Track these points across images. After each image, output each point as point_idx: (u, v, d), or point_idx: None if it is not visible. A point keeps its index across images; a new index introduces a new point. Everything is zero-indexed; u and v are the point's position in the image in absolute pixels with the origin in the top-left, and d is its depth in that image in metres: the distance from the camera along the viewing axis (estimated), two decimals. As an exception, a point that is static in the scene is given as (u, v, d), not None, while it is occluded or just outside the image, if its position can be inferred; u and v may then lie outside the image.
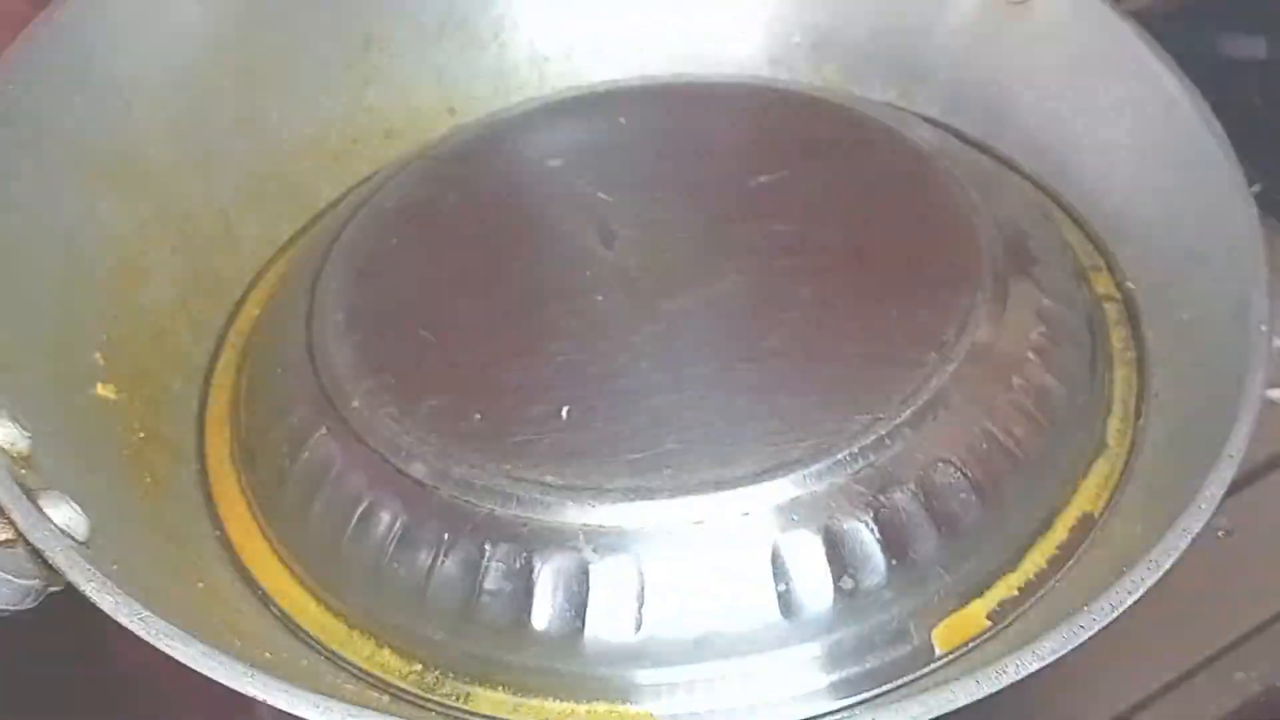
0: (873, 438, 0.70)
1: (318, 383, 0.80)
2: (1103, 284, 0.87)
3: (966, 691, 0.59)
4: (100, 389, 0.84)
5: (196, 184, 0.99)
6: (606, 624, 0.68)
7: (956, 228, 0.82)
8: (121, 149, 0.93)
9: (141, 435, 0.84)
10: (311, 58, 1.05)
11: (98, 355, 0.86)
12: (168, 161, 0.97)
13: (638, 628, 0.68)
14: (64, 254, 0.86)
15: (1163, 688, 0.89)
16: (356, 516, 0.74)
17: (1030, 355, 0.76)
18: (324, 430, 0.78)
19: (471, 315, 0.84)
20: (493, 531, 0.69)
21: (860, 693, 0.69)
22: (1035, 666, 0.60)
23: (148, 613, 0.59)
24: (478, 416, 0.74)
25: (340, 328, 0.83)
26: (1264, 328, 0.74)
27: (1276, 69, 1.27)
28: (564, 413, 0.74)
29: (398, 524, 0.72)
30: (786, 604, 0.68)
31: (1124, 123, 0.91)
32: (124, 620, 0.59)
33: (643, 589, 0.67)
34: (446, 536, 0.70)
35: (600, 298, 0.83)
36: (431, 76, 1.10)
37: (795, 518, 0.68)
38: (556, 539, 0.68)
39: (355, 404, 0.77)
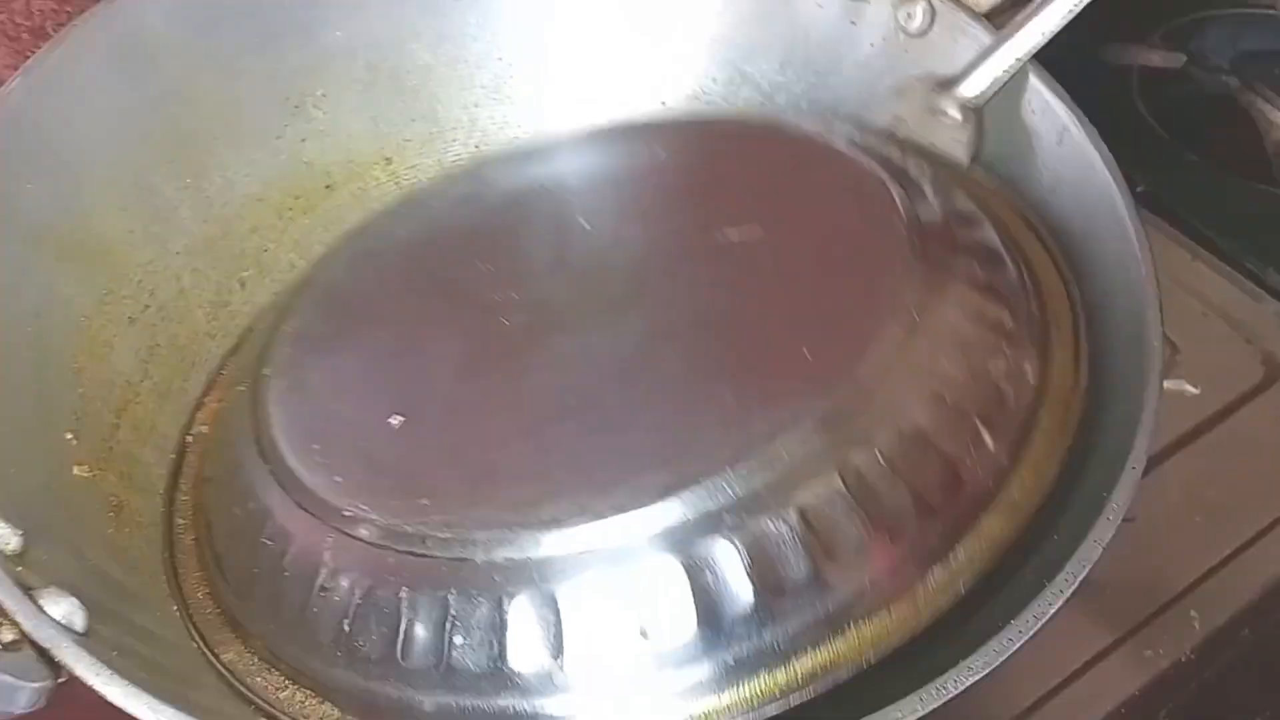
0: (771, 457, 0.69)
1: (259, 448, 0.82)
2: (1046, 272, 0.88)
3: (910, 708, 0.65)
4: (76, 470, 0.87)
5: (149, 252, 1.02)
6: (525, 657, 0.68)
7: (877, 231, 0.82)
8: (76, 225, 0.97)
9: (116, 512, 0.88)
10: (251, 119, 1.08)
11: (69, 435, 0.89)
12: (120, 232, 1.00)
13: (555, 656, 0.68)
14: (33, 337, 0.89)
15: (1078, 669, 0.95)
16: (285, 569, 0.76)
17: (954, 356, 0.76)
18: (261, 484, 0.80)
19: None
20: (404, 574, 0.70)
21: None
22: (971, 680, 0.66)
23: (158, 702, 0.63)
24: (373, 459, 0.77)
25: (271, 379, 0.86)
26: (1157, 343, 0.80)
27: (1157, 74, 1.34)
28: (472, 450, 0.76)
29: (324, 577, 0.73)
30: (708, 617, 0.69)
31: (1019, 143, 0.97)
32: (135, 711, 0.63)
33: (559, 619, 0.68)
34: (364, 583, 0.71)
35: (495, 333, 0.84)
36: (366, 127, 1.13)
37: (701, 534, 0.68)
38: (466, 577, 0.68)
39: (289, 462, 0.79)
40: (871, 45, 1.03)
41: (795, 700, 0.70)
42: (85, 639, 0.68)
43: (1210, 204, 1.20)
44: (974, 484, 0.75)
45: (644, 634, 0.68)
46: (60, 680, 0.68)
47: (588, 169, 1.02)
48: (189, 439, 0.97)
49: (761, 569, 0.69)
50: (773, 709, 0.70)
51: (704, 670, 0.70)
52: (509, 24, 1.13)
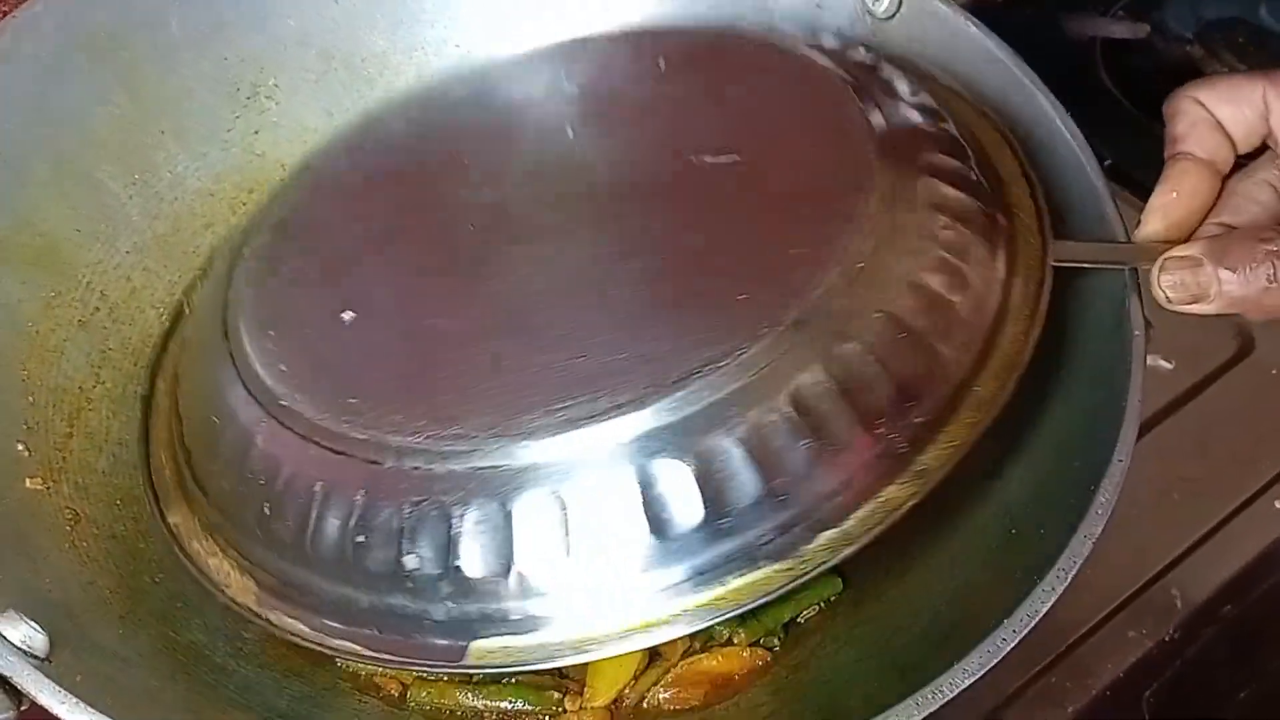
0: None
1: (223, 326, 0.82)
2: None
3: (906, 714, 0.64)
4: (29, 483, 0.84)
5: (96, 251, 0.98)
6: (423, 561, 0.69)
7: (844, 140, 0.79)
8: (18, 226, 0.93)
9: (73, 524, 0.85)
10: (199, 111, 1.04)
11: (20, 447, 0.86)
12: (66, 231, 0.96)
13: (449, 563, 0.68)
14: (-24, 347, 0.86)
15: (1062, 653, 0.96)
16: (223, 447, 0.78)
17: (923, 251, 0.74)
18: (218, 361, 0.81)
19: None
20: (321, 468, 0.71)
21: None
22: (967, 683, 0.65)
23: (125, 730, 0.61)
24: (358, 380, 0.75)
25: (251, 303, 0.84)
26: (1138, 332, 0.79)
27: (1121, 47, 1.33)
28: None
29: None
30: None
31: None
32: (102, 738, 0.61)
33: (454, 534, 0.68)
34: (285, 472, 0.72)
35: (461, 244, 0.83)
36: (321, 118, 1.10)
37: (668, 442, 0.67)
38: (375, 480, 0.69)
39: (245, 345, 0.79)
40: (838, 30, 1.01)
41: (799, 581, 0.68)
42: (46, 664, 0.66)
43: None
44: (950, 372, 0.72)
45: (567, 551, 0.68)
46: (23, 709, 0.65)
47: (578, 77, 0.96)
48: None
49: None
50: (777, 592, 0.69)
51: (700, 560, 0.68)
52: (467, 8, 1.10)
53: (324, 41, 1.09)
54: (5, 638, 0.64)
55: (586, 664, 0.84)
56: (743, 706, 0.81)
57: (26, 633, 0.65)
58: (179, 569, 0.88)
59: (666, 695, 0.83)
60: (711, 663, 0.84)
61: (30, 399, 0.89)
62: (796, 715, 0.77)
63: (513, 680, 0.86)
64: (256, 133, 1.07)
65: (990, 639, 0.67)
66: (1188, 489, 1.03)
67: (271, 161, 1.08)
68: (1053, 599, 0.68)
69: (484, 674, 0.85)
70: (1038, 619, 0.68)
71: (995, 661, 0.66)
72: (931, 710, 0.64)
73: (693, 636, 0.85)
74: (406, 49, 1.10)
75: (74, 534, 0.84)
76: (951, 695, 0.65)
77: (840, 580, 0.88)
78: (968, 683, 0.65)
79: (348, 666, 0.85)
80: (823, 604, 0.87)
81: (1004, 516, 0.82)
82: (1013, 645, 0.67)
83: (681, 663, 0.84)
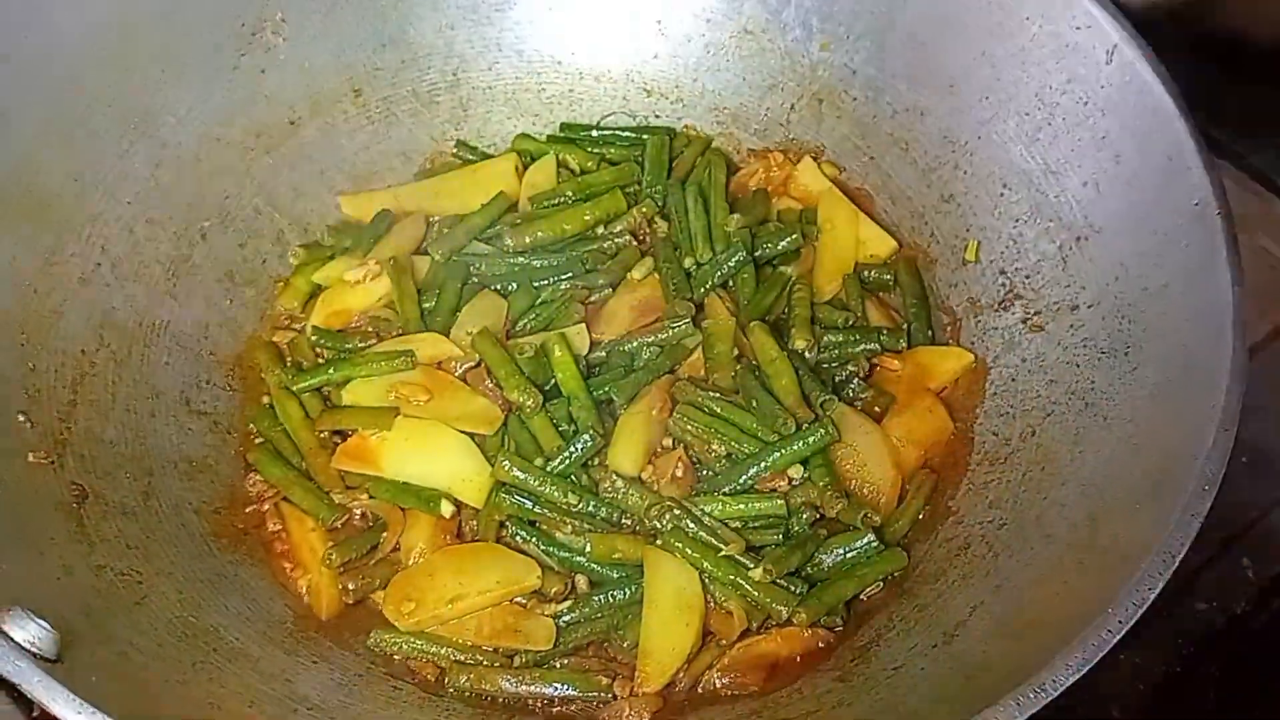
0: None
1: None
2: None
3: (1008, 714, 0.59)
4: (31, 457, 0.77)
5: (96, 203, 0.91)
6: None
7: None
8: (10, 178, 0.85)
9: (79, 501, 0.78)
10: (200, 50, 0.96)
11: (21, 418, 0.79)
12: (63, 182, 0.89)
13: None
14: (-33, 309, 0.79)
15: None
16: None
17: None
18: None
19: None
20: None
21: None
22: (1070, 679, 0.60)
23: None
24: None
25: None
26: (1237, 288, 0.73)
27: None
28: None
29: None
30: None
31: (1066, 64, 0.89)
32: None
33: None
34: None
35: None
36: (332, 55, 1.02)
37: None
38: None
39: None
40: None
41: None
42: (58, 666, 0.60)
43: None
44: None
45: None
46: (34, 716, 0.59)
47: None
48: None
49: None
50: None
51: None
52: (486, -65, 1.02)
53: (336, -30, 1.01)
54: (11, 639, 0.57)
55: (636, 648, 0.79)
56: (806, 693, 0.76)
57: (35, 632, 0.59)
58: (197, 545, 0.83)
59: (724, 680, 0.78)
60: (769, 645, 0.79)
61: (30, 365, 0.82)
62: (868, 708, 0.71)
63: (558, 665, 0.80)
64: (263, 72, 0.99)
65: (1093, 631, 0.61)
66: (1255, 454, 0.97)
67: (280, 104, 1.01)
68: (1160, 584, 0.62)
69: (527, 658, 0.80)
70: (1144, 608, 0.62)
71: (1100, 655, 0.60)
72: (1033, 710, 0.59)
73: (750, 617, 0.79)
74: (422, -30, 1.03)
75: (81, 513, 0.78)
76: (1054, 694, 0.59)
77: (904, 555, 0.82)
78: (1070, 679, 0.60)
79: (380, 650, 0.80)
80: (885, 580, 0.82)
81: (1082, 500, 0.76)
82: (1118, 637, 0.61)
83: (738, 645, 0.79)
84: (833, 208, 0.99)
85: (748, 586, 0.79)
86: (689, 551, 0.80)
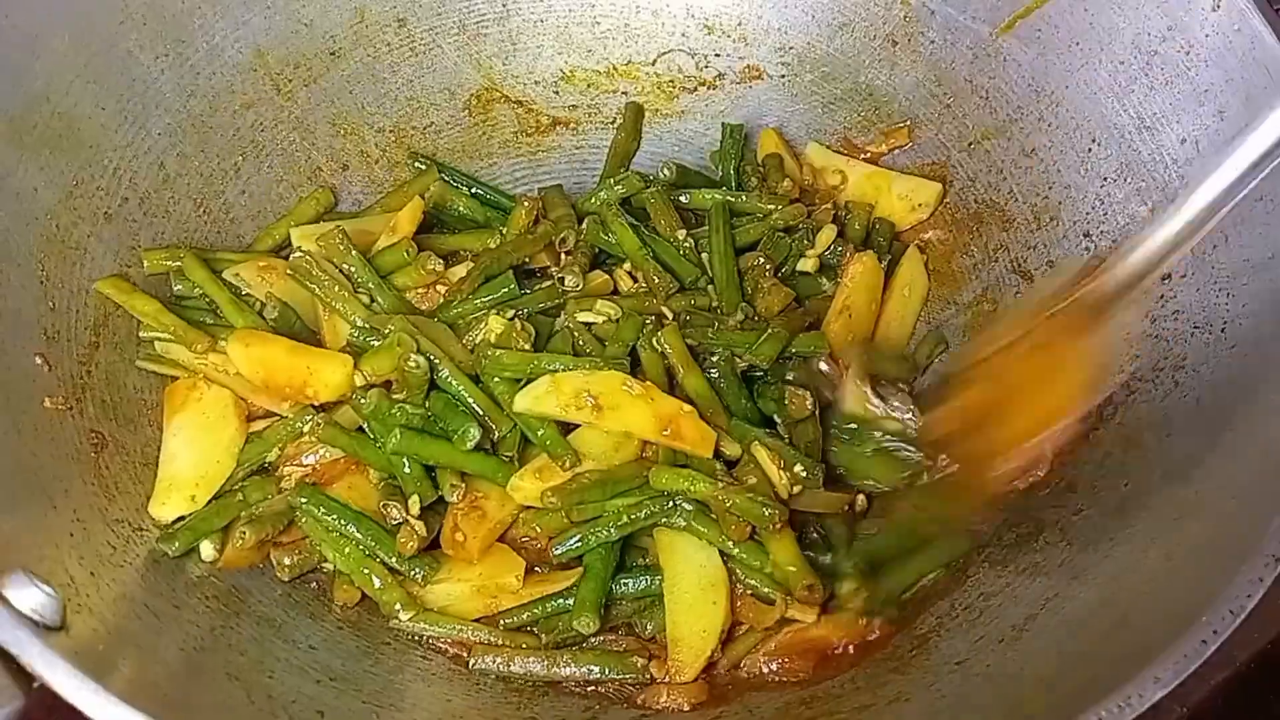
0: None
1: None
2: None
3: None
4: (47, 402, 0.73)
5: (124, 134, 0.86)
6: None
7: None
8: (34, 104, 0.81)
9: (98, 450, 0.74)
10: (238, -31, 0.91)
11: (38, 360, 0.75)
12: (89, 111, 0.84)
13: None
14: (-16, 242, 0.75)
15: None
16: None
17: None
18: None
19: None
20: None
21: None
22: (1160, 694, 0.55)
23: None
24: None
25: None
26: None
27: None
28: None
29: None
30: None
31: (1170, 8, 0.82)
32: None
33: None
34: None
35: None
36: (373, -20, 0.97)
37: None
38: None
39: None
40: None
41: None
42: (61, 634, 0.56)
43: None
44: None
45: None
46: (35, 685, 0.56)
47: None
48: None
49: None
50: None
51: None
52: None
53: (380, -112, 0.95)
54: (12, 605, 0.53)
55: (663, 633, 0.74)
56: (860, 684, 0.71)
57: (38, 598, 0.55)
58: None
59: (771, 666, 0.73)
60: (820, 630, 0.74)
61: (50, 304, 0.78)
62: (930, 705, 0.66)
63: (591, 646, 0.76)
64: (303, -3, 0.94)
65: (1186, 640, 0.55)
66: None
67: (320, 32, 0.95)
68: (1261, 590, 0.57)
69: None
70: (1242, 617, 0.56)
71: (1194, 666, 0.55)
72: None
73: (785, 603, 0.75)
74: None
75: (99, 461, 0.74)
76: (1141, 710, 0.54)
77: (967, 539, 0.77)
78: (1160, 694, 0.55)
79: (405, 631, 0.76)
80: (947, 567, 0.77)
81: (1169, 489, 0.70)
82: (1214, 648, 0.55)
83: (786, 630, 0.74)
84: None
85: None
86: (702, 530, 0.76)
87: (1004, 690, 0.64)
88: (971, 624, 0.71)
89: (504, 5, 1.00)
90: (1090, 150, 0.86)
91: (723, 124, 1.00)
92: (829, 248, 0.93)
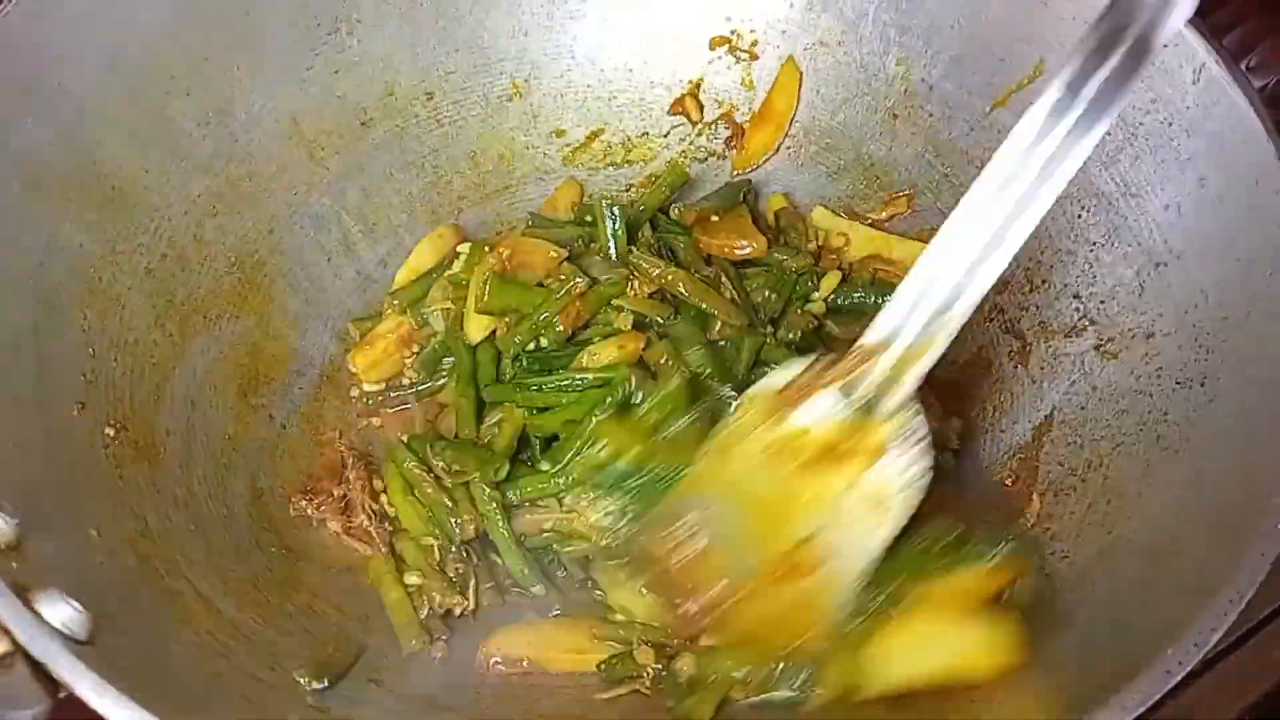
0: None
1: None
2: None
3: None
4: (86, 437, 0.78)
5: (166, 195, 0.91)
6: None
7: None
8: (82, 164, 0.86)
9: (126, 485, 0.79)
10: (274, 46, 0.97)
11: (76, 410, 0.79)
12: (134, 172, 0.89)
13: None
14: (34, 292, 0.80)
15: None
16: None
17: None
18: None
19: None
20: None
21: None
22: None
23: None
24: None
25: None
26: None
27: None
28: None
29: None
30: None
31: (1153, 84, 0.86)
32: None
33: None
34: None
35: None
36: (406, 57, 1.02)
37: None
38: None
39: None
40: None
41: None
42: (88, 648, 0.59)
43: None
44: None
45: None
46: (61, 695, 0.59)
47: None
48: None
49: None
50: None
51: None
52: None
53: (412, -29, 1.01)
54: (45, 619, 0.57)
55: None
56: None
57: (68, 614, 0.59)
58: (245, 537, 0.83)
59: None
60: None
61: (91, 350, 0.83)
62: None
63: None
64: (337, 72, 0.99)
65: (1152, 670, 0.58)
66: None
67: (352, 104, 1.01)
68: (1225, 624, 0.60)
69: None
70: (1207, 648, 0.59)
71: (1157, 697, 0.57)
72: None
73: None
74: (499, -26, 1.02)
75: (128, 497, 0.79)
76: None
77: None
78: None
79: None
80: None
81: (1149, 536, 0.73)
82: (1179, 677, 0.58)
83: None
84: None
85: None
86: None
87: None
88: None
89: (526, 79, 1.05)
90: (1080, 216, 0.90)
91: (726, 182, 1.05)
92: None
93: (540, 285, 0.94)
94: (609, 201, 0.95)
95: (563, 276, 0.93)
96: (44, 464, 0.73)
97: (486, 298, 0.94)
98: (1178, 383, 0.79)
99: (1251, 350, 0.74)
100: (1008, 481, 0.87)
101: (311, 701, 0.74)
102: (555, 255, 0.94)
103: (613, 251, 0.95)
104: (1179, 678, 0.58)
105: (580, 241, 0.97)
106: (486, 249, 0.98)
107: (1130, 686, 0.57)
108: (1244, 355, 0.75)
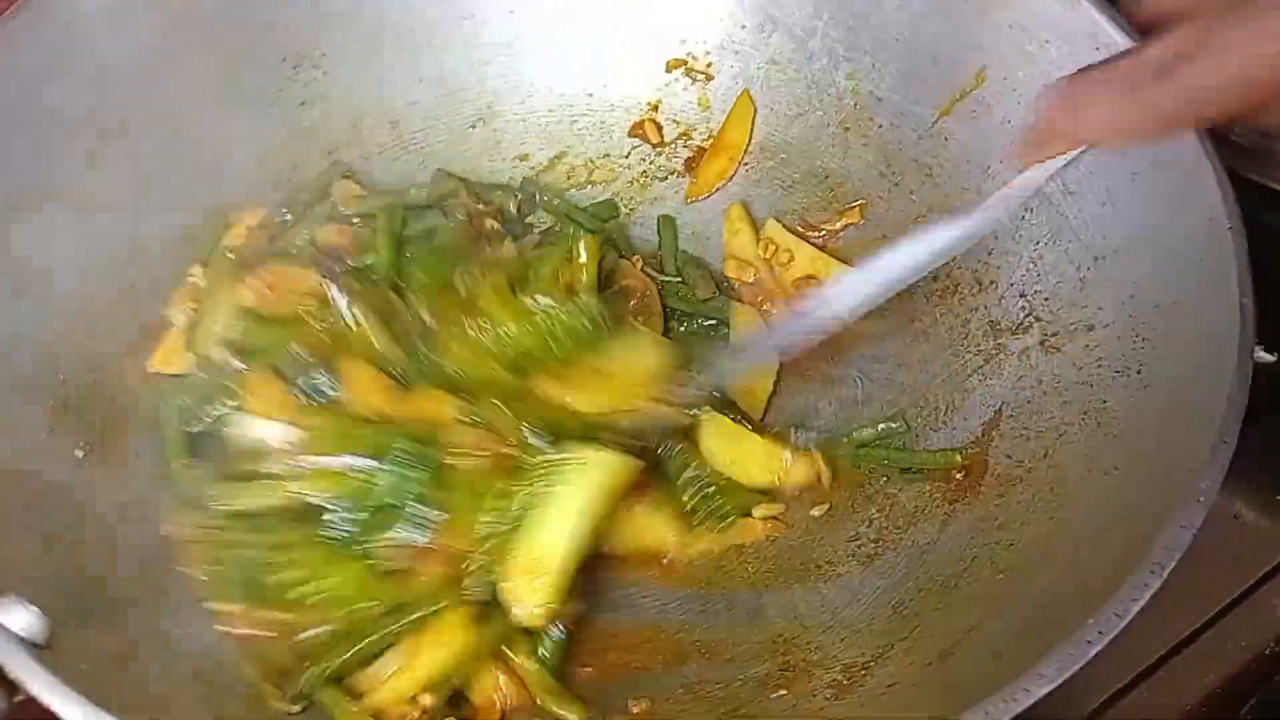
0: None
1: None
2: None
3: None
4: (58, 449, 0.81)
5: (139, 225, 0.95)
6: None
7: None
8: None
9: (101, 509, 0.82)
10: (243, 81, 1.00)
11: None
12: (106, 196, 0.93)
13: None
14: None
15: (1153, 664, 0.88)
16: None
17: None
18: None
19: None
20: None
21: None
22: (1044, 690, 0.59)
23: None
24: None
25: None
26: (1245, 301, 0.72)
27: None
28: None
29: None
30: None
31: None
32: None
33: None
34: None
35: None
36: (370, 89, 1.06)
37: None
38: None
39: None
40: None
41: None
42: (45, 652, 0.61)
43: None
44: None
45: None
46: (17, 699, 0.61)
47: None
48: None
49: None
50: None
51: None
52: (519, -28, 1.05)
53: (374, 8, 1.04)
54: (4, 625, 0.59)
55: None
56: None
57: (26, 619, 0.61)
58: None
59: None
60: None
61: (61, 377, 0.86)
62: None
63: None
64: (303, 104, 1.03)
65: (1072, 641, 0.60)
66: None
67: (318, 136, 1.04)
68: (1146, 595, 0.61)
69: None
70: (1128, 619, 0.60)
71: (1076, 667, 0.59)
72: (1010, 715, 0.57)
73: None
74: (458, 16, 1.05)
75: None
76: (1027, 704, 0.58)
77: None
78: (1044, 690, 0.59)
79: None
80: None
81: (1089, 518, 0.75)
82: (1098, 648, 0.59)
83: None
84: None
85: None
86: None
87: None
88: (908, 650, 0.76)
89: (488, 107, 1.09)
90: (1024, 217, 0.92)
91: (658, 217, 1.08)
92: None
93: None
94: None
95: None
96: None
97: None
98: (1116, 371, 0.81)
99: (1179, 335, 0.76)
100: (958, 475, 0.88)
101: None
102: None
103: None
104: (1099, 647, 0.59)
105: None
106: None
107: (1051, 654, 0.59)
108: (1173, 342, 0.77)
